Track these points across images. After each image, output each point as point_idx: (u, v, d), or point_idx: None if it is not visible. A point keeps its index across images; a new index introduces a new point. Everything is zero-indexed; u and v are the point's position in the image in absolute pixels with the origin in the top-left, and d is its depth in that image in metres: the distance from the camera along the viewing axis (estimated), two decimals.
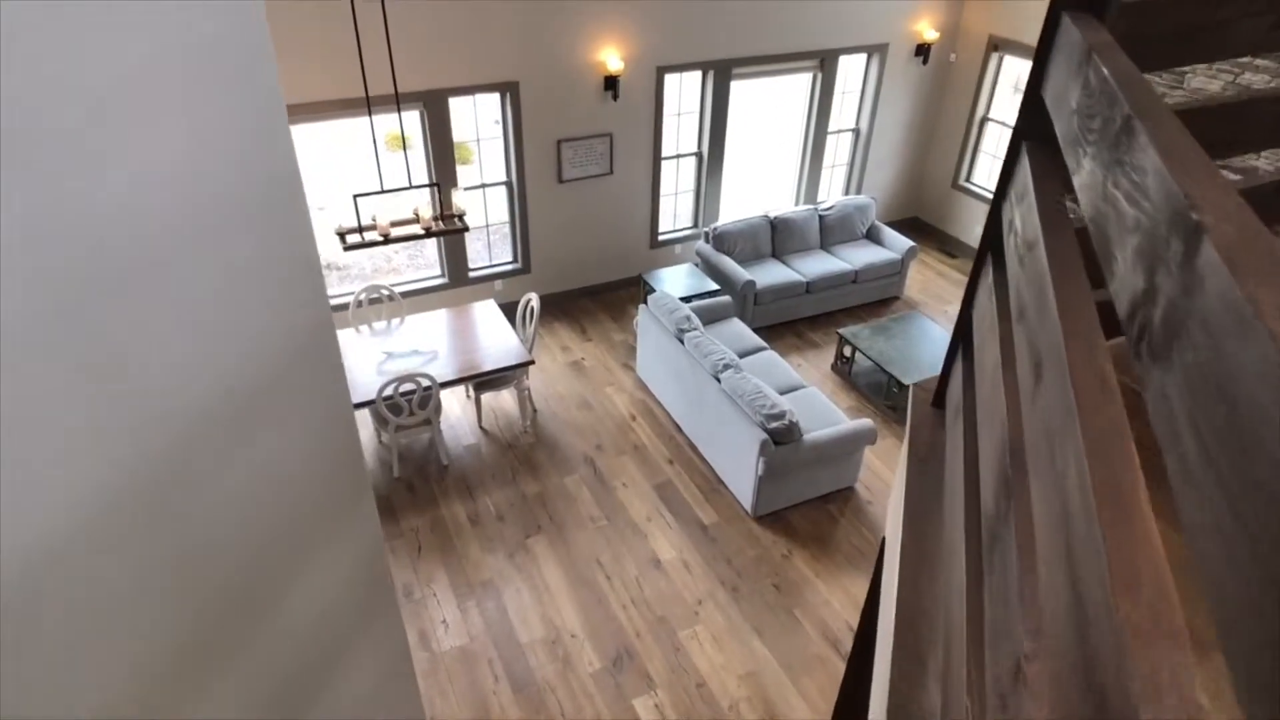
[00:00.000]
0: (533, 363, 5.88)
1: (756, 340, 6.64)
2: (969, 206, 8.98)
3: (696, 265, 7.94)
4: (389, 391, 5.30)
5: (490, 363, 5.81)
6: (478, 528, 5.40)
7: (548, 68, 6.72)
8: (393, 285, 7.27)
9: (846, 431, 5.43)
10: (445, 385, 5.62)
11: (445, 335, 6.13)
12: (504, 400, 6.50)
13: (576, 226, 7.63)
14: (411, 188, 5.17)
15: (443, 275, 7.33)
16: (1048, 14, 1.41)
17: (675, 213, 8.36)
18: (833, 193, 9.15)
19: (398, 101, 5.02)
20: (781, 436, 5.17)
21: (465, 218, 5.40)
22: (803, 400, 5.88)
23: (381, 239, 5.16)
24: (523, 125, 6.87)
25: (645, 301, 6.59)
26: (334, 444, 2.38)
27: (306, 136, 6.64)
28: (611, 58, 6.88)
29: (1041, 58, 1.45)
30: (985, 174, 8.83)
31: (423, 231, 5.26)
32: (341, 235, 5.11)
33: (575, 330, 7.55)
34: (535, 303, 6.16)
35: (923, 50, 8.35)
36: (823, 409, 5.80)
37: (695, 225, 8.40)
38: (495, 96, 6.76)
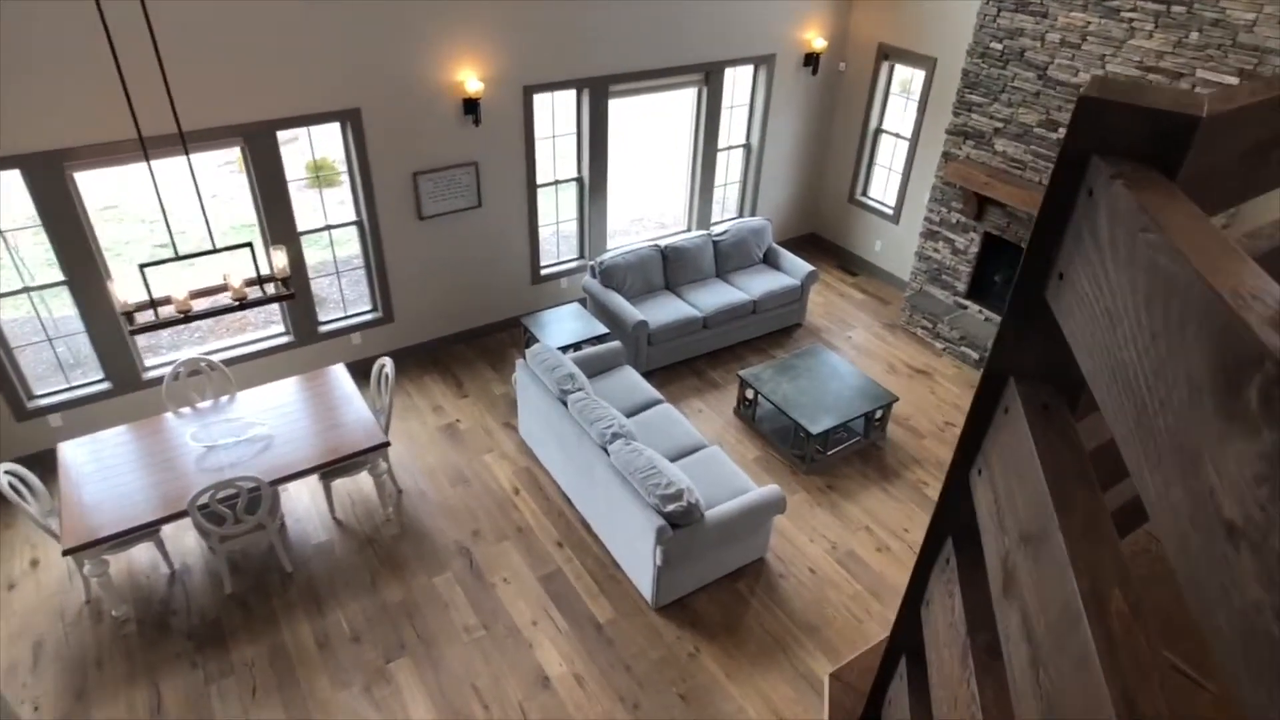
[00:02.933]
0: (388, 444, 4.99)
1: (651, 392, 5.95)
2: (867, 222, 8.56)
3: (583, 304, 7.19)
4: (205, 500, 4.34)
5: (336, 448, 4.90)
6: (327, 653, 4.50)
7: (394, 92, 5.82)
8: (237, 344, 6.23)
9: (753, 503, 4.80)
10: (279, 482, 4.68)
11: (284, 413, 5.17)
12: (362, 481, 5.59)
13: (445, 266, 6.75)
14: (214, 251, 4.20)
15: (288, 333, 6.32)
16: (1059, 161, 0.73)
17: (558, 244, 7.59)
18: (726, 211, 8.58)
19: (183, 139, 4.05)
20: (680, 519, 4.49)
21: (289, 281, 4.47)
22: (704, 464, 5.23)
23: (180, 316, 4.19)
24: (369, 158, 5.94)
25: (525, 351, 5.80)
26: None
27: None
28: (470, 78, 6.03)
29: (1048, 235, 0.77)
30: (881, 188, 8.44)
31: (235, 303, 4.31)
32: (128, 314, 4.11)
33: (450, 384, 6.68)
34: (390, 369, 5.27)
35: (811, 60, 7.85)
36: (726, 473, 5.16)
37: (581, 256, 7.65)
38: (335, 127, 5.80)
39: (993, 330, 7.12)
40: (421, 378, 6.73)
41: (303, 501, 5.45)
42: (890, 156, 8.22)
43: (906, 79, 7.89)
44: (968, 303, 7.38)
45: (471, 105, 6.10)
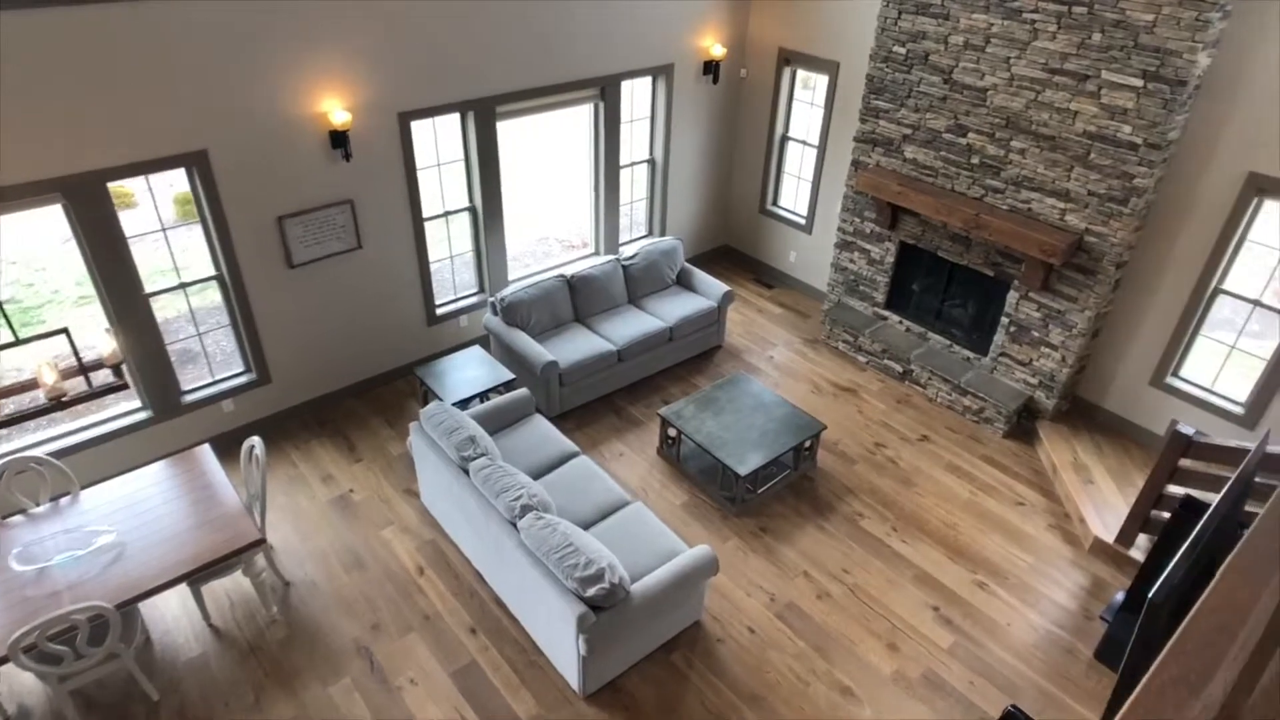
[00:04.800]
0: (262, 541, 4.33)
1: (565, 444, 5.44)
2: (779, 232, 8.26)
3: (486, 344, 6.62)
4: (31, 640, 3.61)
5: (200, 553, 4.20)
6: None
7: (246, 129, 5.12)
8: (84, 426, 5.39)
9: (683, 569, 4.36)
10: (131, 603, 3.97)
11: (138, 512, 4.43)
12: (240, 578, 4.89)
13: (326, 316, 6.07)
14: (18, 343, 3.48)
15: (145, 408, 5.53)
16: None
17: (454, 278, 6.99)
18: (635, 228, 8.13)
19: None
20: (603, 602, 4.01)
21: (122, 368, 3.78)
22: (627, 525, 4.76)
23: None
24: (223, 206, 5.22)
25: (422, 407, 5.20)
26: None
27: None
28: (335, 109, 5.38)
29: None
30: (791, 197, 8.14)
31: (49, 402, 3.59)
32: None
33: (341, 448, 6.01)
34: (260, 449, 4.59)
35: (711, 68, 7.47)
36: (652, 533, 4.71)
37: (481, 289, 7.07)
38: (180, 173, 5.06)
39: (915, 341, 6.89)
40: (308, 443, 6.03)
41: (171, 609, 4.72)
42: (799, 164, 7.93)
43: (809, 79, 7.60)
44: (887, 313, 7.15)
45: (340, 138, 5.44)
